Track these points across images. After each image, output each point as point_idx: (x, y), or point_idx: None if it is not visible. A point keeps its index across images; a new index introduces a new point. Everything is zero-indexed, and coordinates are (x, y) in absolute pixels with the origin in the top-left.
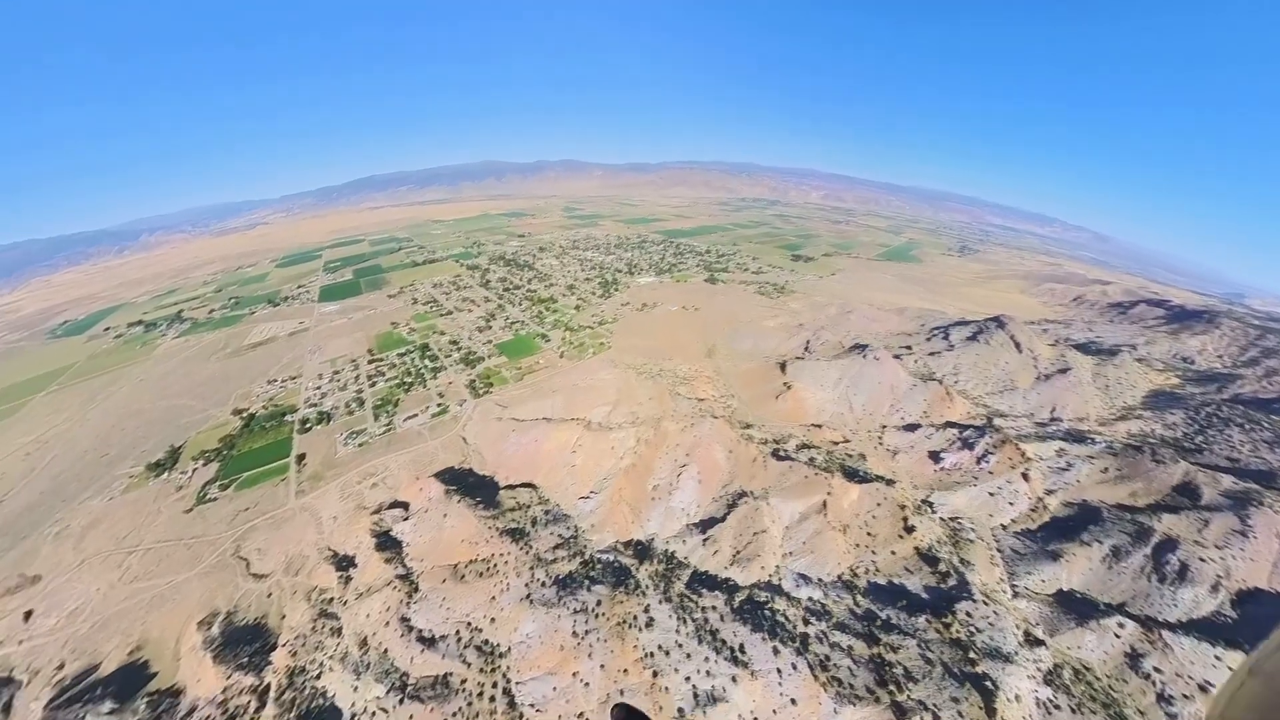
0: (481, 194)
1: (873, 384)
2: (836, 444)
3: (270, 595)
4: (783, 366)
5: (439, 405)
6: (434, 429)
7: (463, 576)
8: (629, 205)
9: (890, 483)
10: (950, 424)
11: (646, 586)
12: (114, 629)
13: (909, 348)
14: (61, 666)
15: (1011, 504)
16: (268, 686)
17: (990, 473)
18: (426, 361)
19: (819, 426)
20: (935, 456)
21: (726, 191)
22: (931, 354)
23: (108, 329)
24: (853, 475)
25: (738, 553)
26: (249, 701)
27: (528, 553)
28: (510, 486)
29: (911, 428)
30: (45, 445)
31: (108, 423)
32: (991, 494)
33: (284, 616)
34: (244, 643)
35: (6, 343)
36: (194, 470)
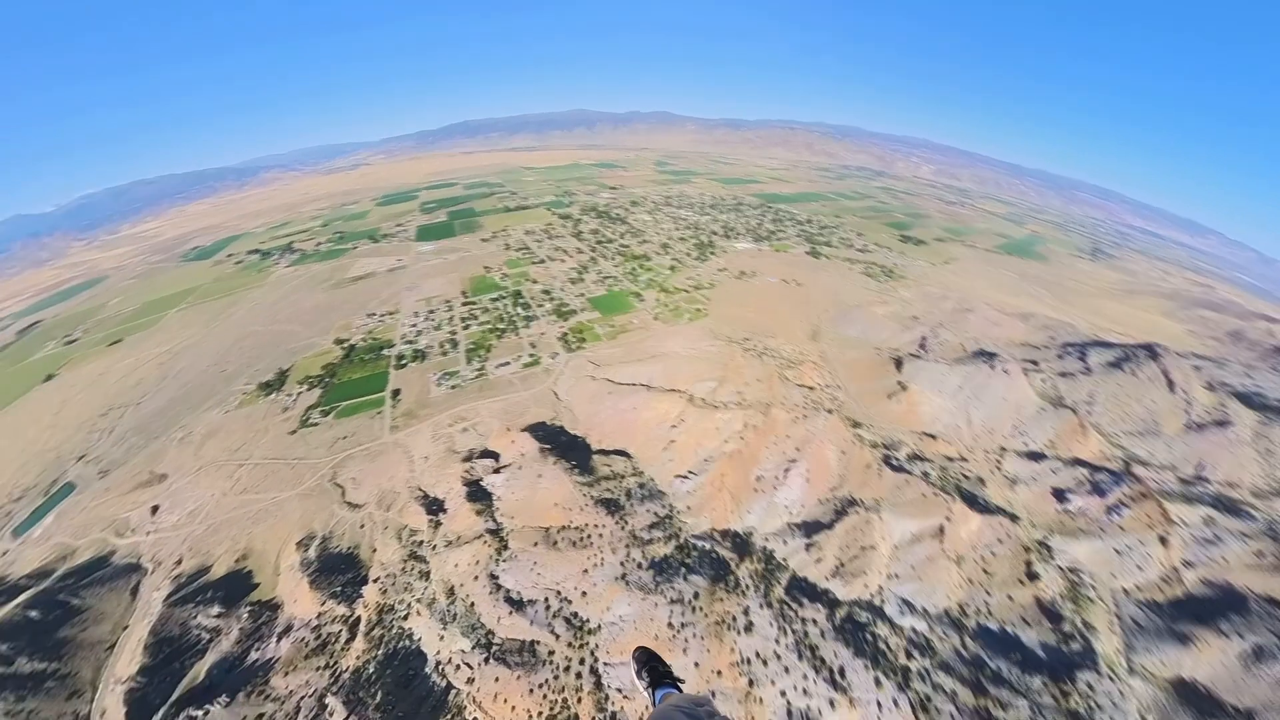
0: (571, 142)
1: (996, 399)
2: (951, 460)
3: (363, 527)
4: (898, 363)
5: (530, 356)
6: (525, 380)
7: (555, 543)
8: (724, 163)
9: (1015, 518)
10: (1079, 461)
11: (747, 586)
12: (224, 535)
13: (1035, 363)
14: (180, 562)
15: (1140, 568)
16: (358, 619)
17: (1121, 527)
18: (519, 309)
19: (932, 437)
20: (1060, 495)
21: (828, 157)
22: (1063, 375)
23: (230, 255)
24: (972, 501)
25: (841, 565)
26: (340, 631)
27: (623, 528)
28: (603, 452)
29: (1035, 457)
30: (176, 356)
31: (227, 341)
32: (1119, 551)
33: (375, 550)
34: (337, 571)
35: (148, 263)
36: (298, 394)
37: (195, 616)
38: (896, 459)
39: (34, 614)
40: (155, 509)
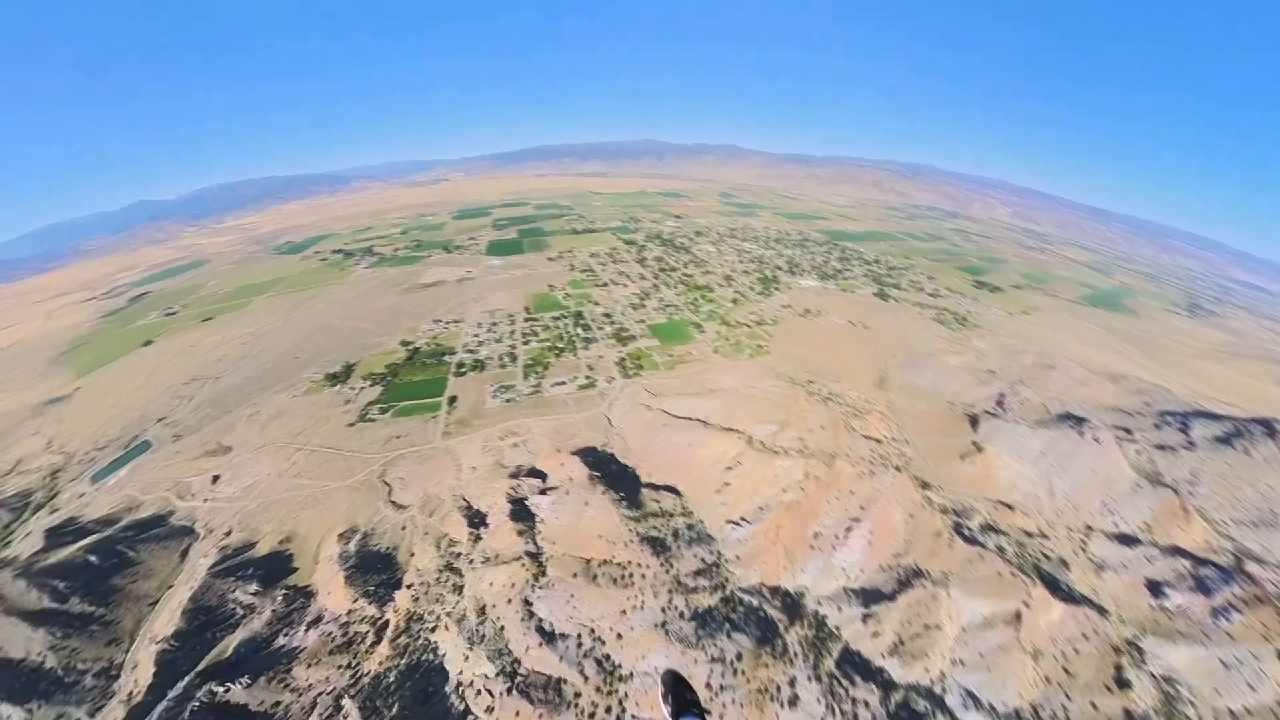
0: (640, 171)
1: (1084, 470)
2: (1029, 535)
3: (404, 529)
4: (973, 421)
5: (587, 378)
6: (579, 401)
7: (595, 577)
8: (789, 198)
9: (1103, 612)
10: (1180, 551)
11: (795, 654)
12: (273, 514)
13: (1129, 432)
14: (229, 534)
15: (1253, 688)
16: (386, 623)
17: (1230, 635)
18: (579, 330)
19: (1009, 507)
20: (1156, 589)
21: (898, 195)
22: (1161, 448)
23: (317, 252)
24: (1054, 587)
25: (901, 642)
26: (367, 632)
27: (667, 571)
28: (653, 486)
29: (1127, 541)
30: (257, 339)
31: (304, 330)
32: (1226, 664)
33: (413, 555)
34: (374, 570)
35: (246, 252)
36: (361, 389)
37: (234, 590)
38: (969, 529)
39: (93, 558)
40: (216, 478)
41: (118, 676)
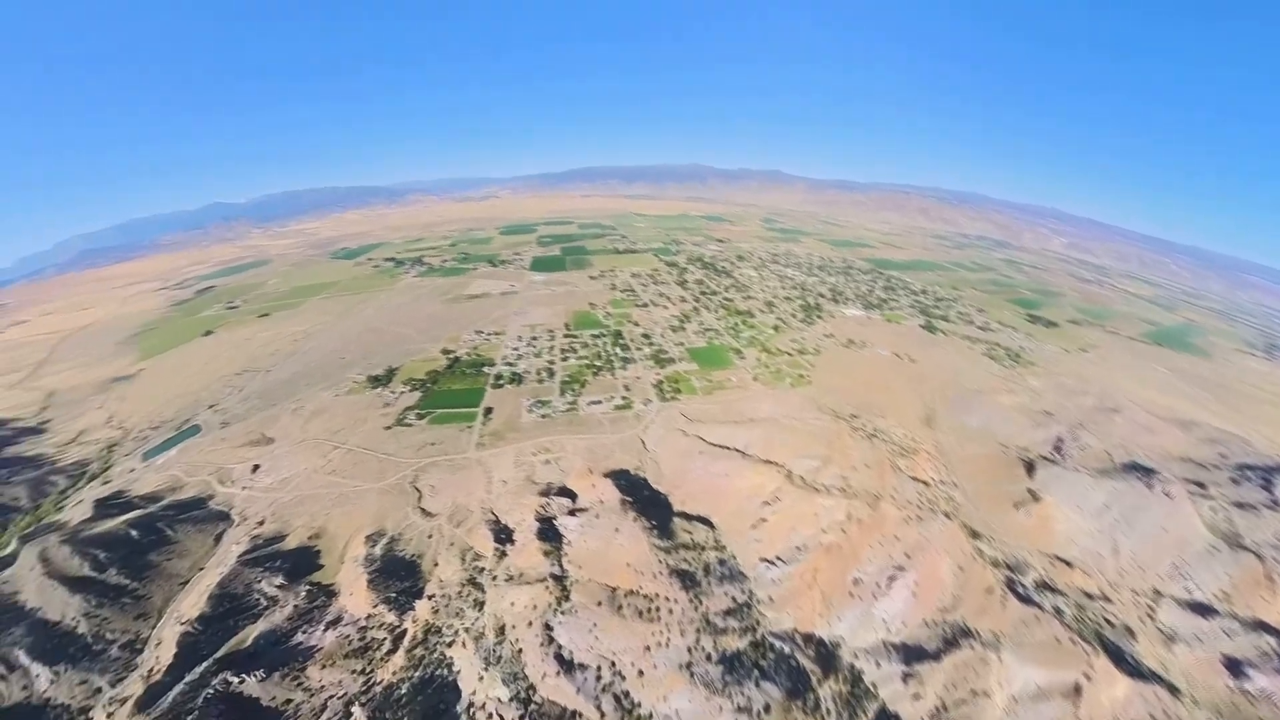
0: (683, 194)
1: (1153, 527)
2: (1090, 597)
3: (431, 537)
4: (1029, 467)
5: (623, 398)
6: (615, 422)
7: (620, 607)
8: (833, 225)
9: (1175, 691)
10: (1264, 626)
11: (828, 711)
12: (306, 509)
13: (1202, 485)
14: (262, 523)
15: None
16: (404, 632)
17: None
18: (617, 350)
19: (1068, 564)
20: (1235, 668)
21: (945, 223)
22: (1240, 506)
23: (370, 259)
24: (1118, 658)
25: (944, 708)
26: (384, 639)
27: (696, 608)
28: (686, 516)
29: (1202, 610)
30: (308, 337)
31: (352, 332)
32: None
33: (437, 565)
34: (397, 576)
35: (305, 255)
36: (401, 393)
37: (260, 580)
38: (1023, 586)
39: (134, 533)
40: (256, 467)
41: (141, 651)
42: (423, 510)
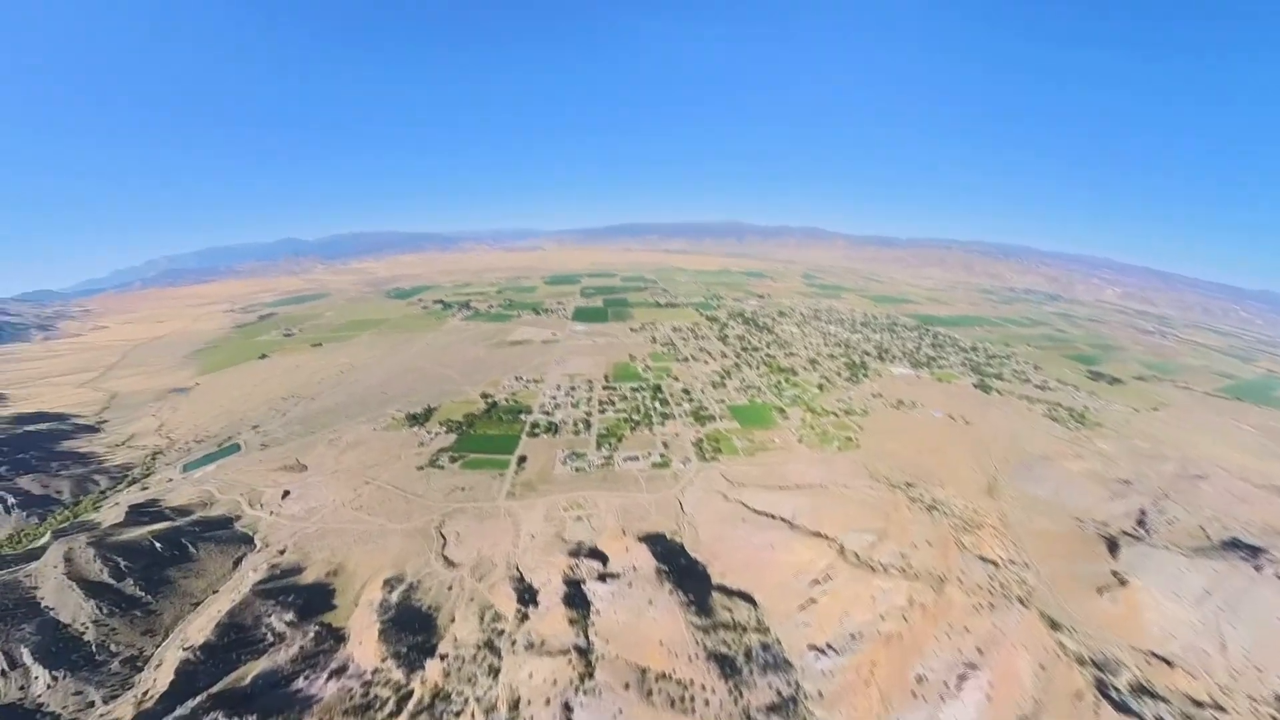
0: (722, 250)
1: (1267, 617)
2: (1199, 705)
3: (450, 589)
4: (1111, 545)
5: (661, 456)
6: (651, 480)
7: (650, 692)
8: (874, 281)
9: None
10: None
11: None
12: (328, 543)
13: None
14: (283, 552)
15: None
16: (410, 693)
17: None
18: (656, 404)
19: (1166, 663)
20: None
21: (991, 278)
22: None
23: (420, 300)
24: None
25: None
26: (388, 698)
27: (736, 701)
28: (726, 590)
29: None
30: (354, 370)
31: (396, 369)
32: None
33: (454, 620)
34: (410, 628)
35: (362, 292)
36: (436, 434)
37: (270, 614)
38: (1116, 689)
39: (158, 545)
40: (286, 493)
41: (141, 669)
42: (445, 558)
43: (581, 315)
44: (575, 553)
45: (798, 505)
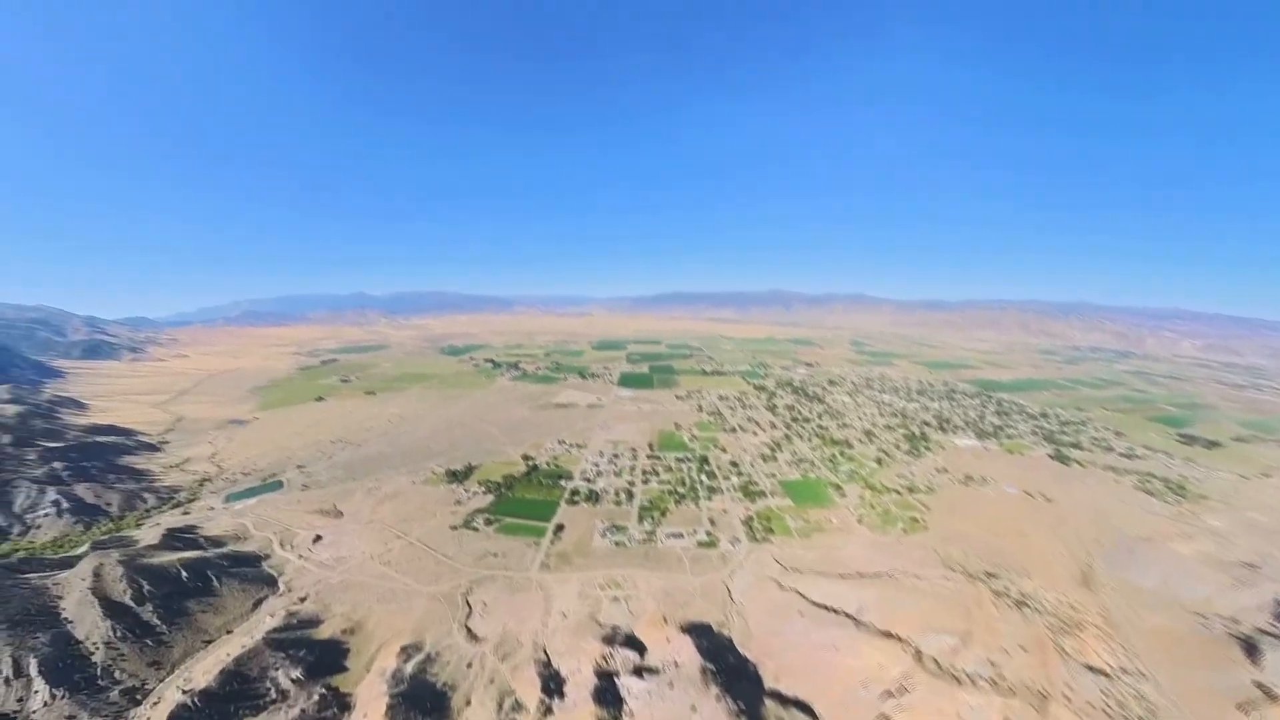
0: (768, 318)
1: None
2: None
3: (470, 666)
4: (1248, 647)
5: (708, 534)
6: (696, 561)
7: None
8: (926, 346)
9: None
10: None
11: None
12: (350, 596)
13: None
14: (304, 600)
15: None
16: None
17: None
18: (703, 477)
19: None
20: None
21: (1050, 337)
22: None
23: (472, 358)
24: None
25: None
26: None
27: None
28: (780, 698)
29: None
30: (404, 420)
31: (442, 423)
32: None
33: (469, 704)
34: (420, 708)
35: (418, 346)
36: (474, 493)
37: (278, 668)
38: None
39: (184, 574)
40: (318, 538)
41: (139, 704)
42: (469, 630)
43: (627, 381)
44: (610, 639)
45: (863, 598)
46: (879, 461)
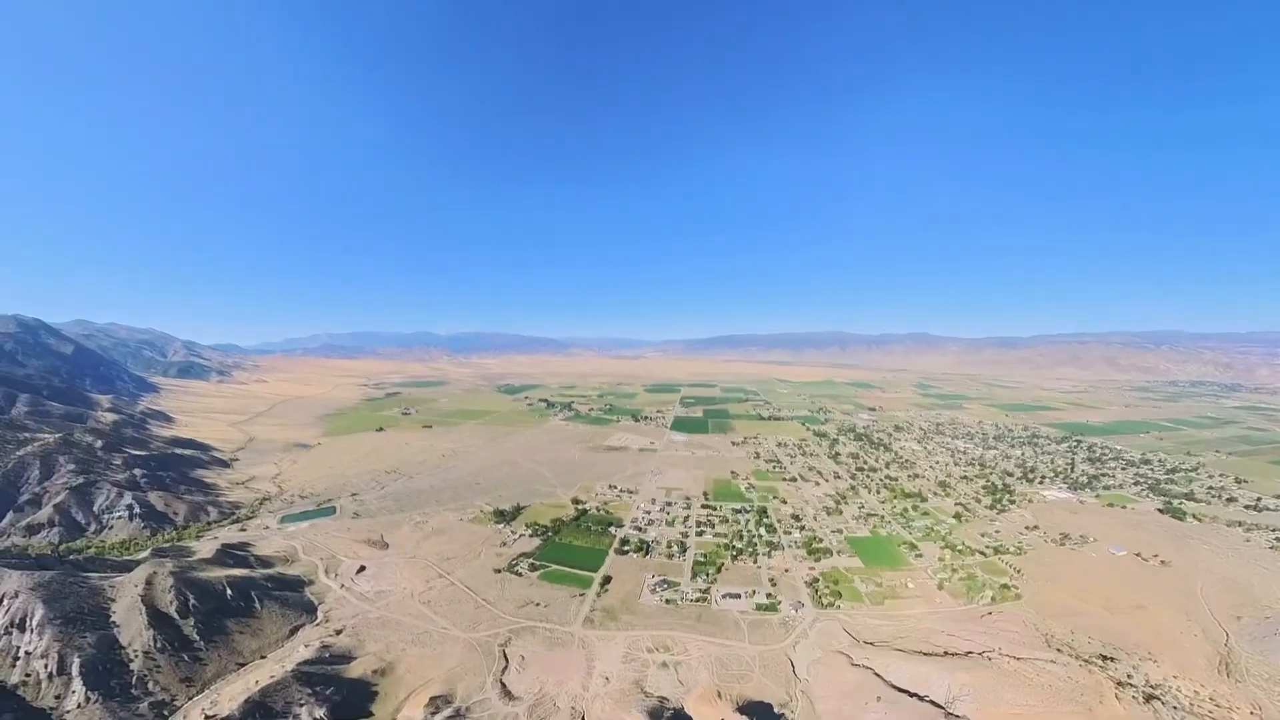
0: (824, 360)
1: None
2: None
3: None
4: None
5: (768, 596)
6: (755, 627)
7: None
8: (999, 386)
9: None
10: None
11: None
12: (385, 634)
13: None
14: (339, 632)
15: None
16: None
17: None
18: (762, 530)
19: None
20: None
21: (1143, 372)
22: None
23: (526, 397)
24: None
25: None
26: None
27: None
28: None
29: None
30: (455, 455)
31: (493, 460)
32: None
33: None
34: None
35: (475, 384)
36: (520, 535)
37: (303, 704)
38: None
39: (229, 592)
40: (362, 569)
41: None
42: (503, 686)
43: (681, 425)
44: (656, 715)
45: (954, 684)
46: (958, 517)
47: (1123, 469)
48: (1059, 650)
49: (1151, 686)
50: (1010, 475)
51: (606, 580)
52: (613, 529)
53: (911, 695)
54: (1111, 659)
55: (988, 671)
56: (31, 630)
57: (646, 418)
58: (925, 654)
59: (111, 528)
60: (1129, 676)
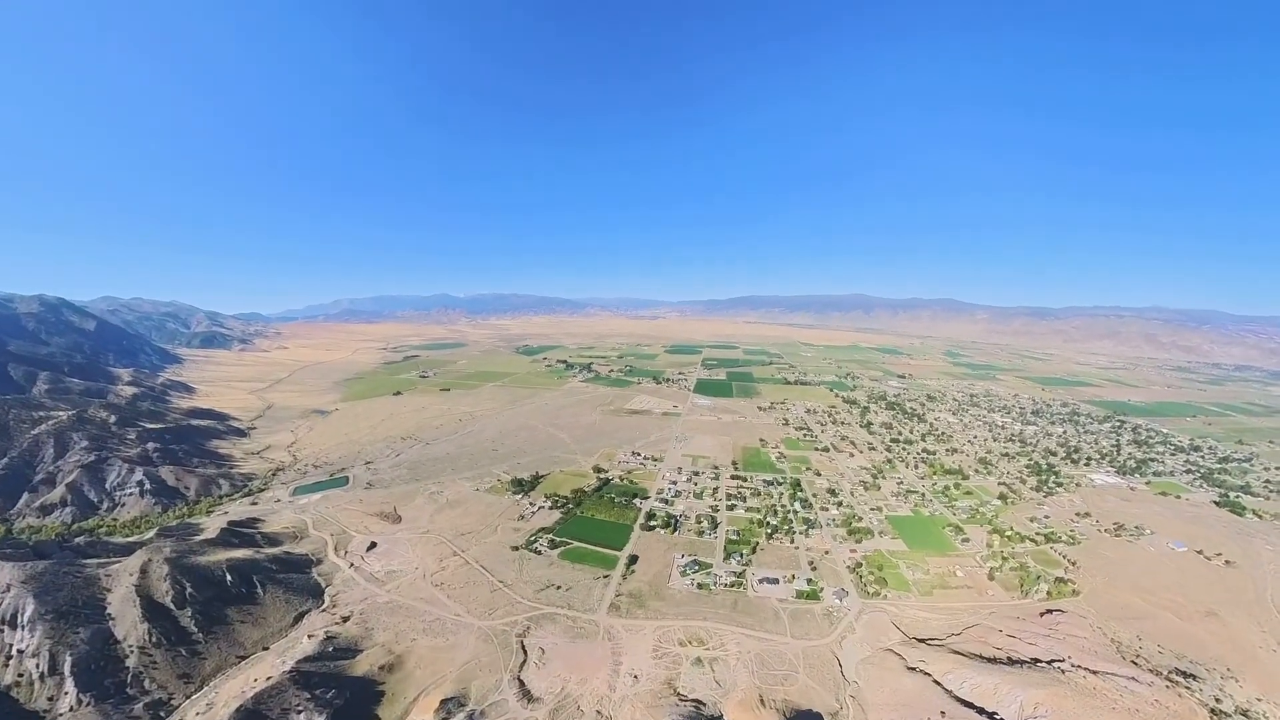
0: (848, 324)
1: None
2: None
3: None
4: None
5: (808, 581)
6: (796, 617)
7: None
8: (1032, 358)
9: None
10: None
11: None
12: (394, 623)
13: None
14: (345, 619)
15: None
16: None
17: None
18: (796, 505)
19: None
20: None
21: (1184, 352)
22: None
23: (545, 359)
24: None
25: None
26: None
27: None
28: None
29: None
30: (472, 419)
31: (511, 425)
32: None
33: None
34: None
35: (494, 345)
36: (540, 507)
37: (301, 710)
38: None
39: (229, 578)
40: (372, 545)
41: None
42: (521, 685)
43: (704, 388)
44: None
45: (1027, 702)
46: (1003, 498)
47: (1171, 454)
48: (1134, 663)
49: (1240, 710)
50: (1053, 455)
51: (632, 560)
52: (637, 500)
53: (980, 712)
54: (1192, 675)
55: (1064, 689)
56: (23, 627)
57: (668, 380)
58: (988, 660)
59: (123, 505)
60: (1215, 699)
